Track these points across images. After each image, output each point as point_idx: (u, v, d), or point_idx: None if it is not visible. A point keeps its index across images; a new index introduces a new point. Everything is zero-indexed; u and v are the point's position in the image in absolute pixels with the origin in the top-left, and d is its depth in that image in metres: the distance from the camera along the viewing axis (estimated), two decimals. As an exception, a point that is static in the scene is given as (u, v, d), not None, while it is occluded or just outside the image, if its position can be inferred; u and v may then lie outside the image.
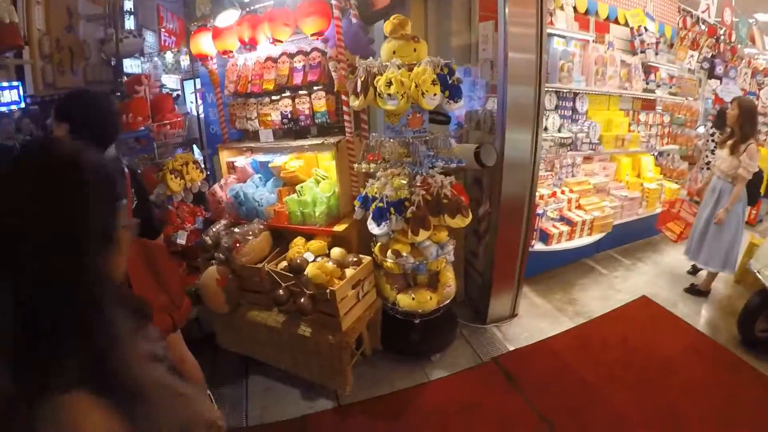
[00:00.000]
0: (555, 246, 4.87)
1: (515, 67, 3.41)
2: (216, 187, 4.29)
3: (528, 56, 3.43)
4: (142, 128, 3.98)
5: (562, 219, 4.99)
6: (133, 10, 4.80)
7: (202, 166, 4.08)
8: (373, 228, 3.25)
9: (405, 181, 3.28)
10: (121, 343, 0.91)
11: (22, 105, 3.46)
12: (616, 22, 5.75)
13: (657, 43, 5.82)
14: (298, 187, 3.74)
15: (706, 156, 6.47)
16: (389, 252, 3.42)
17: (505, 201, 3.75)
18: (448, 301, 3.70)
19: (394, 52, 3.06)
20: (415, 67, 2.96)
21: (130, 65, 6.37)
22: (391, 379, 3.59)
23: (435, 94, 2.91)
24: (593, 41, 5.12)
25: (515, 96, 3.46)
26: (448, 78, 2.98)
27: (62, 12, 4.00)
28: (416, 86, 2.90)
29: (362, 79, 3.04)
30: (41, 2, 3.74)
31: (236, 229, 3.78)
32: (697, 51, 6.57)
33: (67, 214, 0.88)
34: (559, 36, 4.84)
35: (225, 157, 4.38)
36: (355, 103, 3.13)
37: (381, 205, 3.16)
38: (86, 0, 4.35)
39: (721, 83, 7.24)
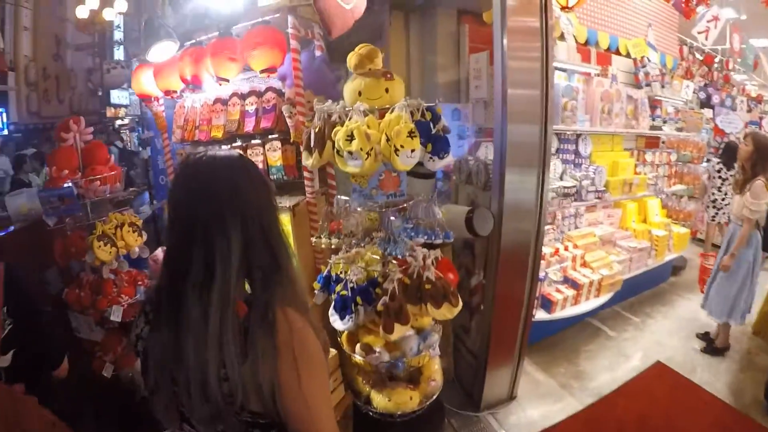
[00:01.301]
0: (559, 314, 3.96)
1: (516, 104, 2.55)
2: (159, 252, 3.38)
3: (531, 92, 2.57)
4: (67, 184, 3.08)
5: (566, 281, 4.08)
6: (122, 40, 4.34)
7: (140, 227, 3.18)
8: (336, 322, 2.34)
9: (377, 257, 2.40)
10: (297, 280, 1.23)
11: (5, 132, 3.29)
12: (618, 53, 4.93)
13: (663, 75, 4.99)
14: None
15: (712, 193, 5.61)
16: (358, 346, 2.51)
17: (505, 264, 2.86)
18: (434, 397, 2.79)
19: (359, 93, 2.16)
20: (387, 114, 2.08)
21: (118, 96, 5.94)
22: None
23: (413, 150, 2.02)
24: (597, 74, 4.27)
25: (517, 137, 2.58)
26: (431, 126, 2.09)
27: (50, 40, 3.80)
28: (388, 140, 2.02)
29: (317, 129, 2.15)
30: (29, 29, 3.54)
31: None
32: (691, 80, 5.79)
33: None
34: (560, 69, 3.98)
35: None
36: (309, 161, 2.22)
37: (344, 293, 2.26)
38: (75, 29, 3.96)
39: (714, 111, 6.46)
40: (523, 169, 2.66)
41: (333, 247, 2.36)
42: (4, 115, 3.17)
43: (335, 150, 2.05)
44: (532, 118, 2.61)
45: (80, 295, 3.06)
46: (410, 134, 2.00)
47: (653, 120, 4.93)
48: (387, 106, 2.12)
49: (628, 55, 5.04)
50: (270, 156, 2.81)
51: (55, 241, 3.03)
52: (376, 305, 2.27)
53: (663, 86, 5.02)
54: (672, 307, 4.91)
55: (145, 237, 3.26)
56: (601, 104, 4.13)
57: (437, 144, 2.09)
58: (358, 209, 2.34)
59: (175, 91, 3.14)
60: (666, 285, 5.41)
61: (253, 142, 2.89)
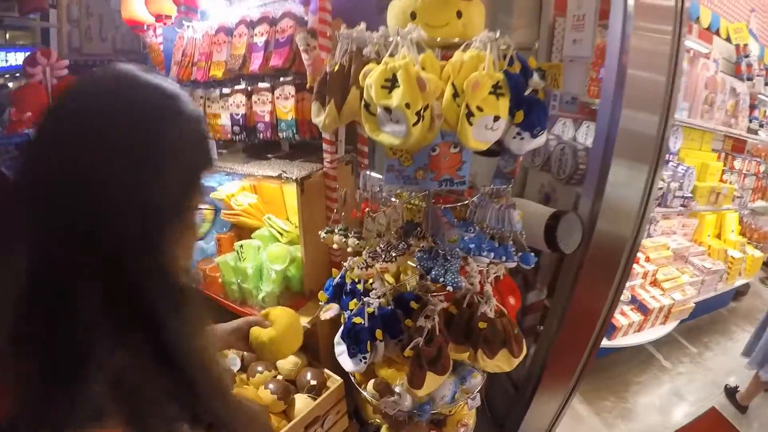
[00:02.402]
0: (619, 341, 3.11)
1: (636, 88, 1.66)
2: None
3: (656, 77, 1.69)
4: (28, 130, 2.31)
5: (634, 302, 3.20)
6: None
7: None
8: (342, 356, 1.52)
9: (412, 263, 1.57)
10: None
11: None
12: (718, 34, 3.90)
13: (766, 71, 3.95)
14: (237, 245, 2.03)
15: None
16: (371, 384, 1.72)
17: (586, 280, 1.98)
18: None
19: (412, 16, 1.23)
20: (458, 52, 1.18)
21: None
22: None
23: (497, 118, 1.13)
24: (705, 56, 3.27)
25: (630, 125, 1.70)
26: (521, 83, 1.22)
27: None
28: (455, 95, 1.14)
29: (336, 68, 1.27)
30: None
31: None
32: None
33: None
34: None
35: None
36: (319, 118, 1.31)
37: (359, 321, 1.43)
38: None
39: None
40: (632, 164, 1.79)
41: (350, 250, 1.51)
42: (44, 53, 2.72)
43: (363, 103, 1.19)
44: (652, 107, 1.74)
45: None
46: (495, 90, 1.13)
47: (749, 122, 3.91)
48: (457, 39, 1.23)
49: (728, 40, 4.00)
50: (279, 106, 1.97)
51: None
52: (403, 341, 1.47)
53: (766, 83, 3.97)
54: (731, 340, 4.08)
55: None
56: (706, 93, 3.15)
57: (533, 112, 1.20)
58: (393, 199, 1.49)
59: (169, 17, 2.31)
60: (725, 311, 4.52)
61: (260, 85, 2.04)
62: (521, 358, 1.57)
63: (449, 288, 1.32)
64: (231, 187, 2.20)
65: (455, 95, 1.14)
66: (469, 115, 1.11)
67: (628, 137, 1.74)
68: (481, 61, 1.13)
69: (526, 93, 1.21)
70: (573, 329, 2.21)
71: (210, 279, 2.22)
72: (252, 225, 2.12)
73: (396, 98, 1.07)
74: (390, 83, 1.09)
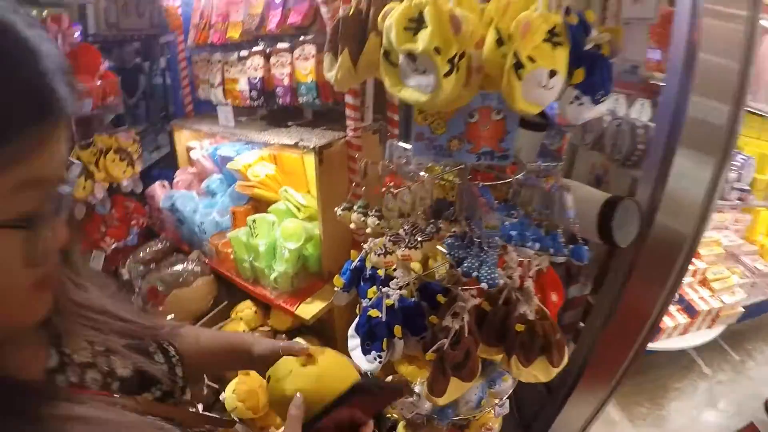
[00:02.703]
0: (662, 343, 2.81)
1: (705, 73, 1.38)
2: (156, 187, 2.45)
3: (728, 63, 1.40)
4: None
5: (682, 302, 2.89)
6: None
7: (131, 155, 2.22)
8: (356, 351, 1.29)
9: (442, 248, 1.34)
10: None
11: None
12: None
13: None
14: (250, 219, 1.83)
15: None
16: (388, 380, 1.52)
17: (639, 276, 1.71)
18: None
19: None
20: None
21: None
22: None
23: (553, 74, 0.88)
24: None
25: (698, 112, 1.42)
26: (581, 36, 0.95)
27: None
28: (500, 41, 0.88)
29: (351, 11, 1.03)
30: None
31: (168, 269, 1.98)
32: None
33: None
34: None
35: (184, 139, 2.52)
36: (331, 72, 1.09)
37: (376, 315, 1.22)
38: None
39: None
40: (698, 153, 1.51)
41: (368, 231, 1.28)
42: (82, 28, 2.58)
43: (383, 52, 0.95)
44: (723, 96, 1.45)
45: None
46: (551, 37, 0.88)
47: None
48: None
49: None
50: (299, 68, 1.75)
51: None
52: (426, 339, 1.25)
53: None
54: (776, 349, 3.69)
55: (139, 168, 2.32)
56: (774, 73, 2.78)
57: (596, 72, 0.95)
58: (421, 173, 1.25)
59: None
60: (769, 317, 4.14)
61: (278, 46, 1.82)
62: (561, 368, 1.34)
63: (483, 284, 1.08)
64: (249, 156, 2.01)
65: (500, 42, 0.89)
66: (518, 66, 0.86)
67: (696, 125, 1.46)
68: (533, 1, 0.88)
69: (588, 48, 0.96)
70: (619, 330, 1.93)
71: (222, 255, 2.05)
72: (269, 198, 1.93)
73: (422, 41, 0.83)
74: (415, 23, 0.85)
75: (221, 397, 1.75)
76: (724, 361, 3.37)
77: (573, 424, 2.39)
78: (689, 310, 2.84)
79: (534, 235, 1.15)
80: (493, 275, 1.09)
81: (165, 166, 2.82)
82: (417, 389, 1.44)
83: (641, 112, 1.82)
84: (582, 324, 2.13)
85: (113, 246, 2.32)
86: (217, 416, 1.10)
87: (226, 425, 1.03)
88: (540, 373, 1.33)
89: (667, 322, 2.77)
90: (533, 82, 0.88)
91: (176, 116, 2.71)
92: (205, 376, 1.87)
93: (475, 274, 1.09)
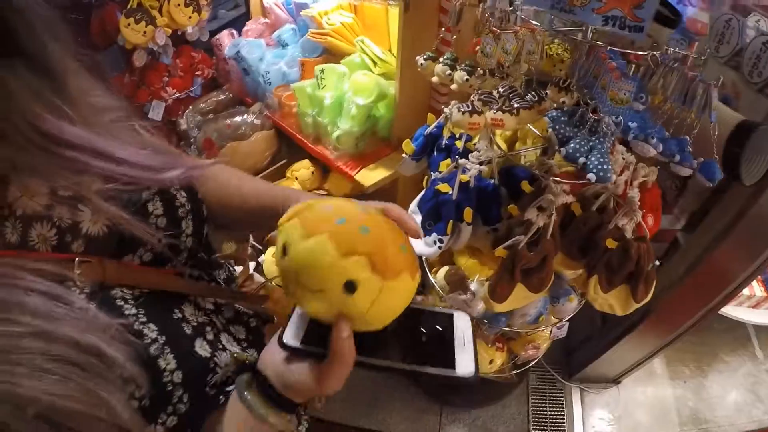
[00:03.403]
0: (729, 310, 2.51)
1: None
2: (224, 35, 2.24)
3: None
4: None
5: (765, 273, 2.53)
6: None
7: (204, 1, 2.01)
8: (417, 242, 1.09)
9: (538, 131, 1.08)
10: None
11: None
12: None
13: None
14: (318, 68, 1.60)
15: None
16: (443, 271, 1.33)
17: (751, 223, 1.40)
18: (524, 369, 1.67)
19: None
20: None
21: None
22: None
23: None
24: None
25: None
26: None
27: None
28: None
29: None
30: None
31: (228, 120, 1.84)
32: None
33: None
34: None
35: (258, -13, 2.27)
36: None
37: (446, 190, 0.99)
38: None
39: None
40: None
41: (454, 87, 1.02)
42: None
43: None
44: None
45: (125, 82, 2.12)
46: None
47: None
48: None
49: None
50: None
51: (92, 18, 2.00)
52: (499, 232, 1.03)
53: None
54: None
55: (206, 15, 2.11)
56: None
57: None
58: (532, 22, 0.96)
59: None
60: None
61: None
62: (642, 304, 1.11)
63: (591, 176, 0.83)
64: (326, 4, 1.74)
65: None
66: None
67: None
68: None
69: None
70: (700, 283, 1.69)
71: (286, 109, 1.86)
72: (343, 50, 1.68)
73: None
74: None
75: (260, 260, 1.59)
76: (778, 352, 3.05)
77: (616, 365, 2.24)
78: (769, 285, 2.49)
79: (659, 133, 0.88)
80: (605, 165, 0.84)
81: (241, 25, 2.60)
82: (473, 287, 1.25)
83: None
84: (659, 262, 1.86)
85: (175, 96, 2.19)
86: (236, 290, 0.86)
87: (252, 301, 0.81)
88: (617, 303, 1.11)
89: (743, 292, 2.44)
90: None
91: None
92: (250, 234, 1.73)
93: (582, 159, 0.84)
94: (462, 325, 0.62)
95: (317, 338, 0.55)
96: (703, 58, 1.01)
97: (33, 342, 0.44)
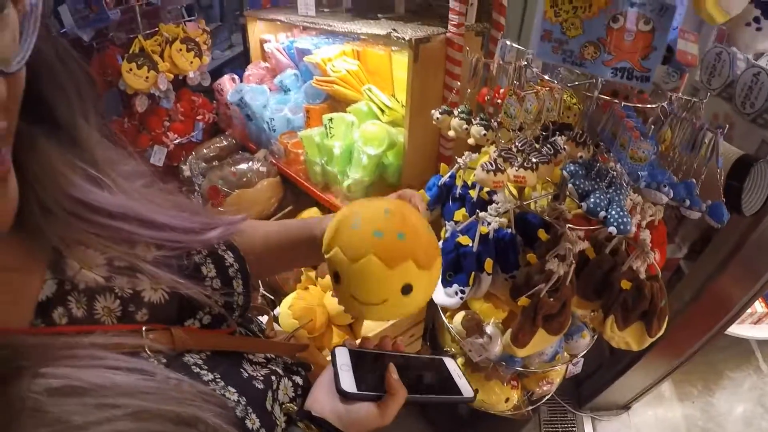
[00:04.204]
0: (733, 328, 2.53)
1: None
2: (225, 80, 2.27)
3: None
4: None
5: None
6: None
7: (199, 46, 2.03)
8: (436, 291, 1.08)
9: (543, 194, 1.10)
10: None
11: None
12: None
13: None
14: (326, 117, 1.63)
15: None
16: (459, 316, 1.34)
17: (751, 251, 1.46)
18: (539, 404, 1.66)
19: None
20: None
21: None
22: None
23: None
24: None
25: None
26: None
27: None
28: None
29: None
30: None
31: (233, 168, 1.85)
32: None
33: None
34: None
35: (258, 32, 2.29)
36: None
37: (466, 243, 1.01)
38: None
39: None
40: None
41: (471, 141, 1.05)
42: None
43: None
44: None
45: (125, 127, 2.15)
46: None
47: None
48: None
49: None
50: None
51: (92, 62, 2.03)
52: (517, 280, 1.04)
53: None
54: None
55: (207, 59, 2.13)
56: None
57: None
58: (545, 77, 0.99)
59: None
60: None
61: None
62: (656, 338, 1.12)
63: (612, 229, 0.85)
64: (329, 51, 1.77)
65: None
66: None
67: None
68: None
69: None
70: (705, 308, 1.73)
71: (292, 156, 1.88)
72: (349, 97, 1.70)
73: None
74: None
75: (275, 312, 1.60)
76: (782, 364, 3.06)
77: (626, 392, 2.25)
78: (769, 300, 2.52)
79: (668, 179, 0.91)
80: (624, 219, 0.86)
81: (237, 66, 2.61)
82: (489, 330, 1.26)
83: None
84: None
85: (176, 141, 2.20)
86: (293, 342, 0.88)
87: (299, 349, 0.82)
88: (633, 340, 1.12)
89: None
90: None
91: (251, 8, 2.45)
92: (260, 283, 1.73)
93: (602, 213, 0.87)
94: (451, 364, 0.77)
95: (368, 383, 0.64)
96: (704, 101, 1.05)
97: (133, 423, 0.43)
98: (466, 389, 0.72)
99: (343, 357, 0.66)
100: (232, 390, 0.56)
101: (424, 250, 0.62)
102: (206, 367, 0.57)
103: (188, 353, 0.57)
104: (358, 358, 0.67)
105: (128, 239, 0.56)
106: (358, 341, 0.76)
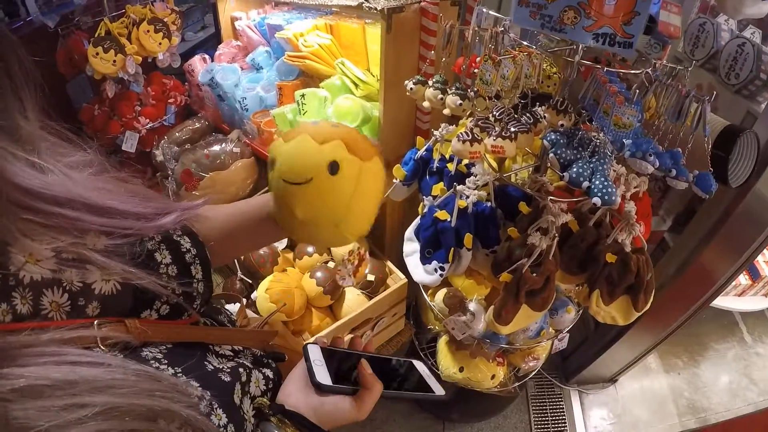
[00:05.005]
0: (717, 301, 2.55)
1: None
2: (196, 60, 2.18)
3: None
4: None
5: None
6: None
7: (167, 26, 1.94)
8: (411, 259, 1.07)
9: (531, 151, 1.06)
10: None
11: None
12: None
13: None
14: (298, 93, 1.56)
15: None
16: (441, 294, 1.30)
17: (734, 225, 1.44)
18: (525, 380, 1.65)
19: None
20: None
21: None
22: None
23: None
24: None
25: None
26: None
27: None
28: None
29: None
30: None
31: (206, 150, 1.79)
32: None
33: None
34: None
35: (228, 9, 2.20)
36: None
37: (444, 217, 0.97)
38: None
39: None
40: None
41: (446, 111, 1.00)
42: None
43: None
44: None
45: (95, 114, 2.06)
46: None
47: None
48: None
49: None
50: None
51: (58, 47, 1.96)
52: (498, 255, 1.00)
53: None
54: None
55: (176, 40, 2.04)
56: None
57: None
58: (523, 43, 0.94)
59: None
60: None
61: None
62: (642, 312, 1.10)
63: (596, 199, 0.82)
64: (301, 25, 1.69)
65: None
66: None
67: None
68: None
69: None
70: (690, 281, 1.71)
71: (265, 135, 1.81)
72: (322, 72, 1.63)
73: None
74: None
75: (252, 296, 1.56)
76: (766, 333, 3.04)
77: (612, 365, 2.25)
78: (753, 272, 2.52)
79: (653, 148, 0.87)
80: (609, 189, 0.83)
81: (210, 47, 2.51)
82: (472, 307, 1.23)
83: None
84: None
85: (148, 126, 2.11)
86: (258, 329, 0.86)
87: (268, 337, 0.79)
88: (619, 314, 1.10)
89: (723, 281, 2.49)
90: None
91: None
92: (238, 267, 1.68)
93: (586, 183, 0.83)
94: (419, 365, 0.80)
95: (343, 377, 0.66)
96: (689, 69, 1.02)
97: (104, 423, 0.41)
98: (437, 388, 0.76)
99: (315, 353, 0.67)
100: (195, 384, 0.53)
101: (356, 140, 0.62)
102: (166, 361, 0.54)
103: (146, 347, 0.54)
104: (330, 355, 0.68)
105: (76, 227, 0.52)
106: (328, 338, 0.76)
